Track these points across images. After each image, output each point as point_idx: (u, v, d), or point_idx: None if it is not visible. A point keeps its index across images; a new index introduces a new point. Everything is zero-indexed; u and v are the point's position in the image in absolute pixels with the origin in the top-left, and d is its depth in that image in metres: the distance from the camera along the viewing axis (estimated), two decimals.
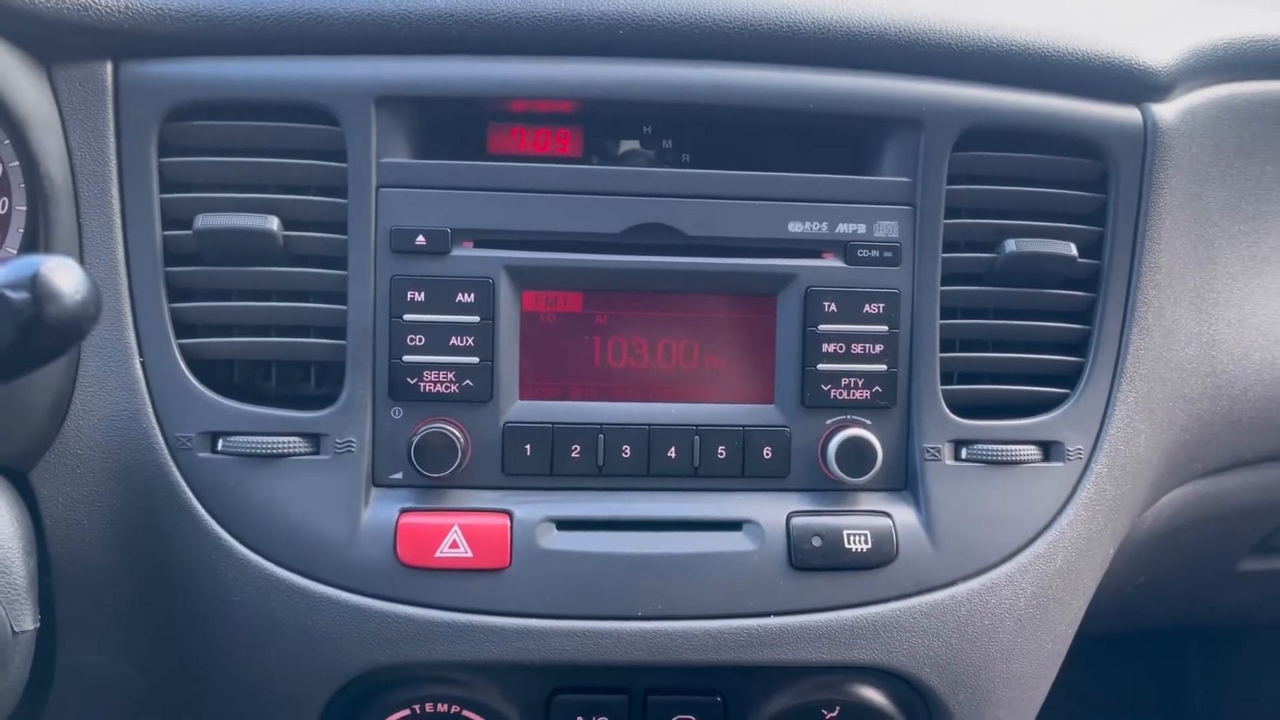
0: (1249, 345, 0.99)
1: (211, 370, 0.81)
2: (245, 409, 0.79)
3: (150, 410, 0.79)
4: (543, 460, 0.81)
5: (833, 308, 0.82)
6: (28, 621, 0.74)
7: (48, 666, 0.83)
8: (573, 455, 0.81)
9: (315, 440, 0.79)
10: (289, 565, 0.78)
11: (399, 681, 0.80)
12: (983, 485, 0.83)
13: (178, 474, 0.79)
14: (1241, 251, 1.00)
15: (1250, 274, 1.00)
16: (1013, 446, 0.84)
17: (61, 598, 0.80)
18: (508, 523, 0.79)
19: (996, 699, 0.84)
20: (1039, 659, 0.87)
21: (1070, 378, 0.87)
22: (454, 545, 0.78)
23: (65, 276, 0.55)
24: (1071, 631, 0.90)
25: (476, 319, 0.80)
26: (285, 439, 0.78)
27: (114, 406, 0.79)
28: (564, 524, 0.80)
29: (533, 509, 0.80)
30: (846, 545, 0.80)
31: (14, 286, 0.54)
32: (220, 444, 0.79)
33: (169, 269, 0.80)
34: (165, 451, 0.79)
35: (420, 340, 0.80)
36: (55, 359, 0.59)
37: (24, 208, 0.77)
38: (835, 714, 0.83)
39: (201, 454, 0.79)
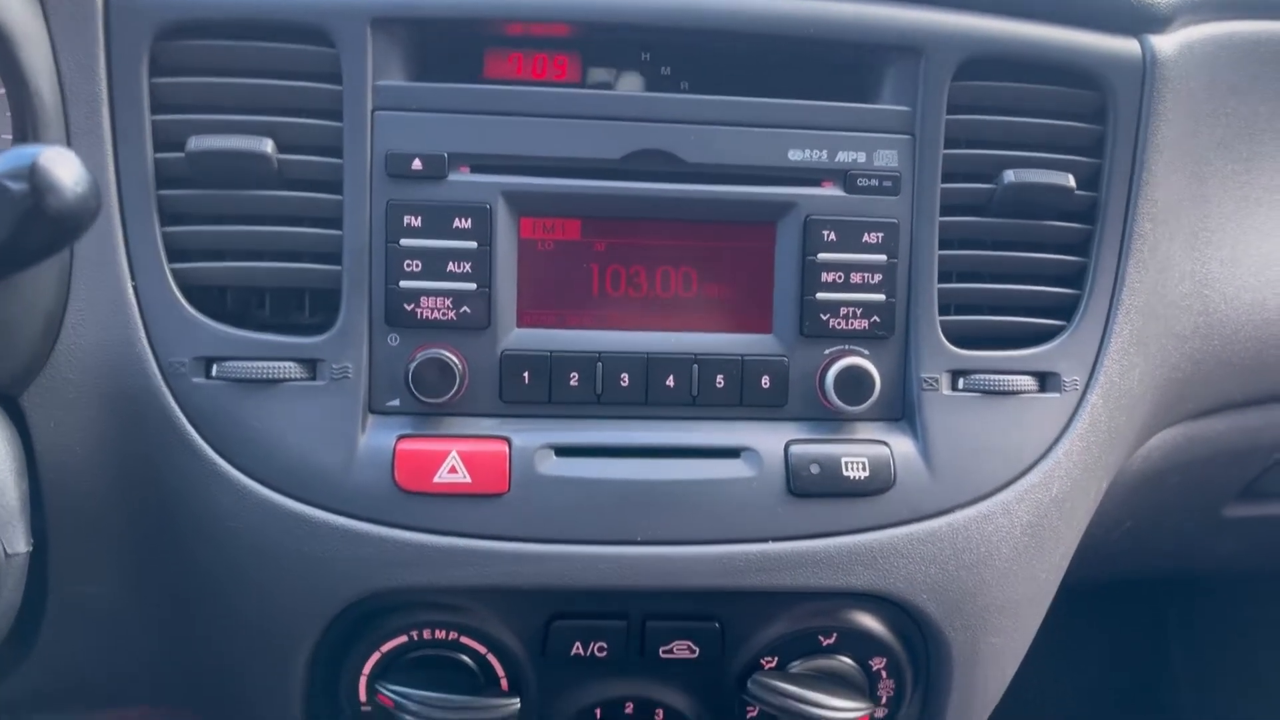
0: (1240, 285, 1.00)
1: (204, 298, 0.80)
2: (240, 334, 0.78)
3: (143, 335, 0.78)
4: (540, 388, 0.80)
5: (832, 237, 0.82)
6: (21, 544, 0.74)
7: (40, 595, 0.83)
8: (571, 383, 0.80)
9: (311, 366, 0.79)
10: (285, 491, 0.77)
11: (396, 608, 0.79)
12: (979, 415, 0.83)
13: (171, 399, 0.78)
14: (1234, 191, 1.00)
15: (1242, 214, 1.01)
16: (1009, 377, 0.84)
17: (54, 525, 0.79)
18: (506, 449, 0.78)
19: (991, 626, 0.85)
20: (1033, 588, 0.88)
21: (1066, 310, 0.87)
22: (452, 470, 0.77)
23: (65, 167, 0.54)
24: (1064, 563, 0.91)
25: (474, 245, 0.79)
26: (281, 364, 0.78)
27: (106, 331, 0.78)
28: (563, 450, 0.79)
29: (531, 436, 0.79)
30: (844, 472, 0.80)
31: (12, 176, 0.52)
32: (214, 370, 0.78)
33: (161, 192, 0.78)
34: (158, 377, 0.78)
35: (417, 266, 0.79)
36: (51, 255, 0.58)
37: (9, 136, 0.75)
38: (832, 640, 0.83)
39: (196, 379, 0.78)
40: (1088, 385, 0.86)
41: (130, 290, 0.78)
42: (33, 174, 0.53)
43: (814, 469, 0.80)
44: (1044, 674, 2.06)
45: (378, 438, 0.78)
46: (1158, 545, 1.37)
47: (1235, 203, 1.00)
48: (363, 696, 0.81)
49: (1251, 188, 1.01)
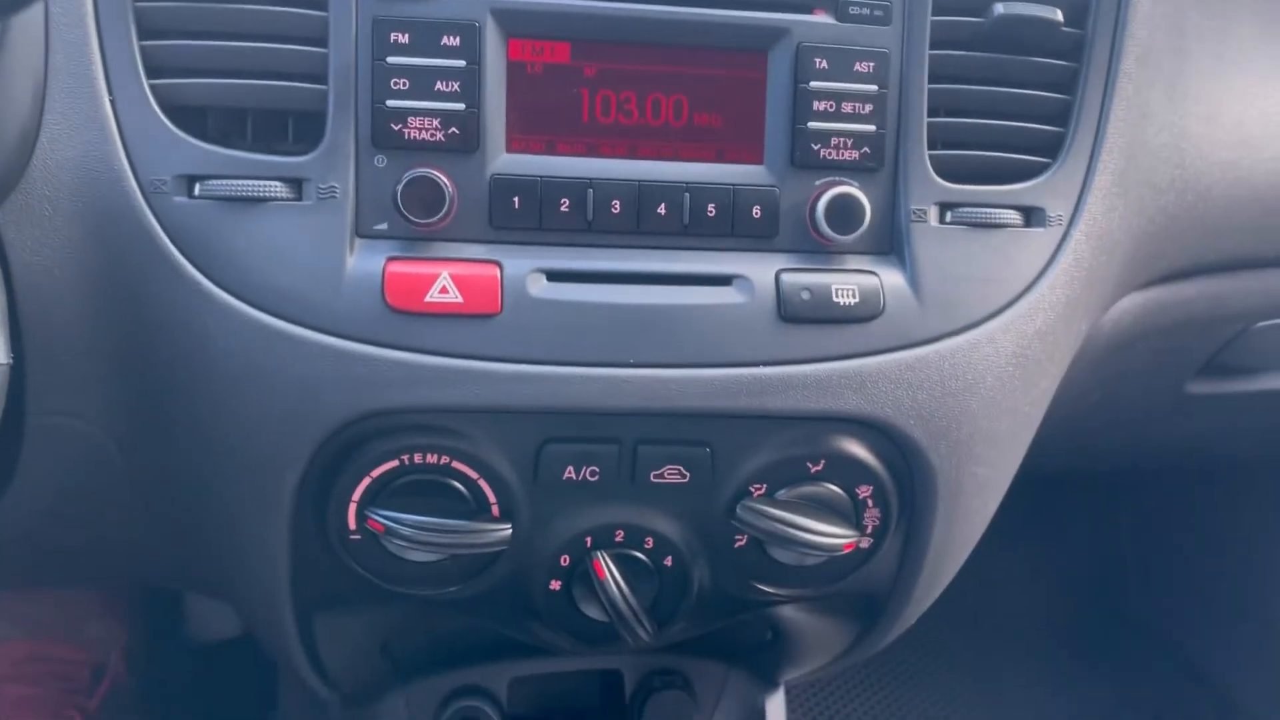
0: (1216, 143, 1.01)
1: (185, 121, 0.77)
2: (222, 152, 0.76)
3: (121, 152, 0.75)
4: (531, 214, 0.80)
5: (824, 65, 0.82)
6: (1, 354, 0.72)
7: (18, 422, 0.81)
8: (561, 209, 0.80)
9: (297, 185, 0.77)
10: (272, 311, 0.76)
11: (386, 431, 0.79)
12: (967, 247, 0.84)
13: (152, 218, 0.76)
14: (1210, 48, 1.02)
15: (1218, 72, 1.02)
16: (996, 210, 0.85)
17: (32, 349, 0.77)
18: (497, 272, 0.78)
19: (976, 455, 0.86)
20: (1016, 420, 0.89)
21: (1052, 148, 0.88)
22: (443, 291, 0.77)
23: None
24: (1046, 400, 0.93)
25: (462, 64, 0.78)
26: (266, 183, 0.76)
27: (83, 147, 0.75)
28: (554, 275, 0.79)
29: (522, 261, 0.79)
30: (834, 299, 0.81)
31: None
32: (197, 188, 0.76)
33: (138, 3, 0.76)
34: (139, 195, 0.76)
35: (404, 84, 0.77)
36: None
37: None
38: (820, 467, 0.84)
39: (177, 198, 0.76)
40: (1071, 222, 0.87)
41: (108, 105, 0.75)
42: None
43: (805, 295, 0.80)
44: (1001, 559, 2.12)
45: (366, 260, 0.77)
46: (1123, 425, 1.41)
47: (1212, 59, 1.01)
48: (352, 524, 0.81)
49: (1226, 46, 1.03)
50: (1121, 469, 1.99)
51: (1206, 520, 1.98)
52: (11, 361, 0.73)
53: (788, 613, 1.01)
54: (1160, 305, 1.10)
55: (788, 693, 1.31)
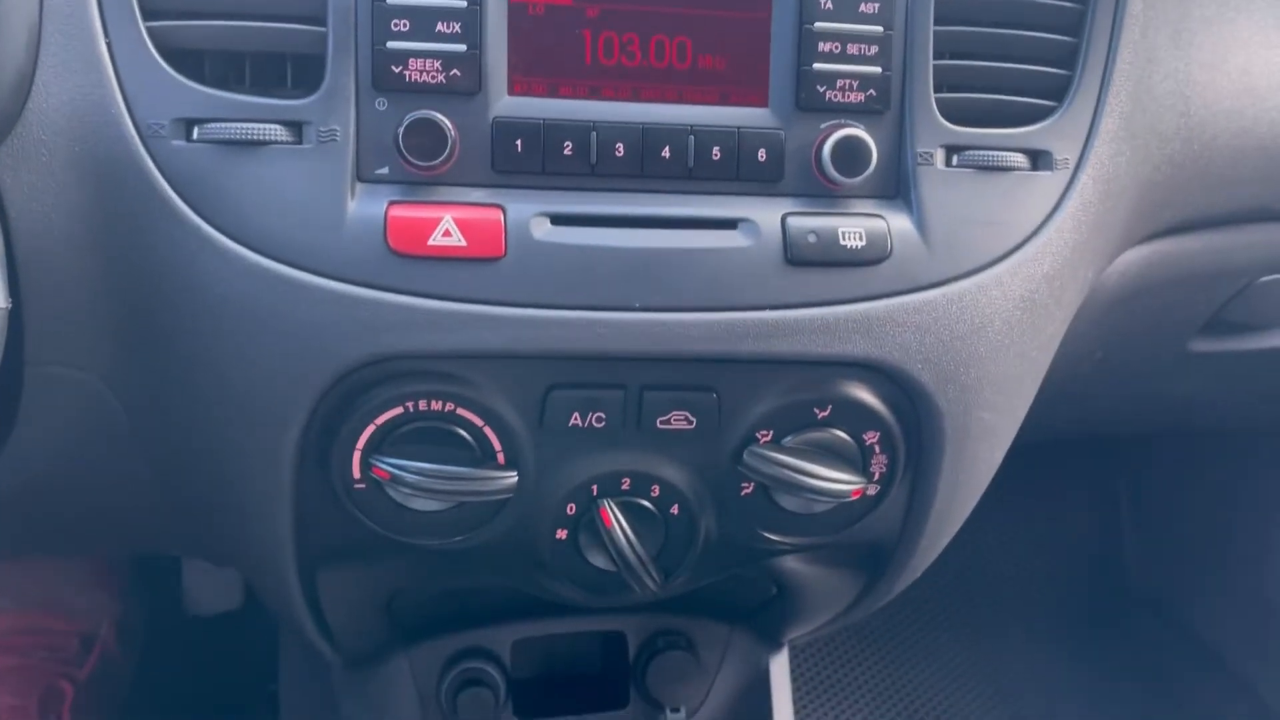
0: (1220, 91, 1.01)
1: (182, 65, 0.76)
2: (221, 95, 0.75)
3: (118, 95, 0.74)
4: (534, 158, 0.79)
5: (829, 5, 0.81)
6: (0, 299, 0.71)
7: (16, 373, 0.80)
8: (564, 153, 0.79)
9: (297, 129, 0.76)
10: (273, 255, 0.75)
11: (391, 377, 0.78)
12: (973, 190, 0.84)
13: (150, 163, 0.75)
14: None
15: (1223, 20, 1.01)
16: (1003, 153, 0.84)
17: (30, 298, 0.76)
18: (501, 216, 0.77)
19: (984, 400, 0.86)
20: (1024, 365, 0.89)
21: (1058, 92, 0.87)
22: (446, 234, 0.76)
23: None
24: (1053, 345, 0.92)
25: (464, 4, 0.77)
26: (266, 126, 0.75)
27: (79, 90, 0.74)
28: (558, 219, 0.78)
29: (525, 205, 0.78)
30: (842, 242, 0.80)
31: None
32: (195, 132, 0.75)
33: None
34: (136, 140, 0.74)
35: (405, 25, 0.76)
36: None
37: None
38: (827, 413, 0.84)
39: (176, 142, 0.75)
40: (1078, 166, 0.87)
41: (104, 48, 0.74)
42: None
43: (811, 238, 0.80)
44: (1002, 530, 2.13)
45: (367, 204, 0.76)
46: (1126, 386, 1.40)
47: (1216, 5, 1.01)
48: (356, 473, 0.80)
49: None
50: (1122, 435, 1.99)
51: (1207, 489, 1.98)
52: (10, 306, 0.72)
53: (792, 565, 1.00)
54: (1164, 259, 1.10)
55: (791, 658, 1.30)
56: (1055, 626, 2.10)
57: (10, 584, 1.43)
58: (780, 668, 1.25)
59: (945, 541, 0.99)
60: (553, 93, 0.80)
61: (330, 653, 1.09)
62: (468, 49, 0.77)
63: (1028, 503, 2.16)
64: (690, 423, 0.82)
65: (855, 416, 0.84)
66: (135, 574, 1.59)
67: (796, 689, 1.83)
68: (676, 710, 1.23)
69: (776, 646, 1.26)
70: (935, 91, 0.84)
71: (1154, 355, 1.33)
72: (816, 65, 0.81)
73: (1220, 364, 1.35)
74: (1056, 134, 0.86)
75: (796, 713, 1.78)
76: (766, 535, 0.89)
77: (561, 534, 0.86)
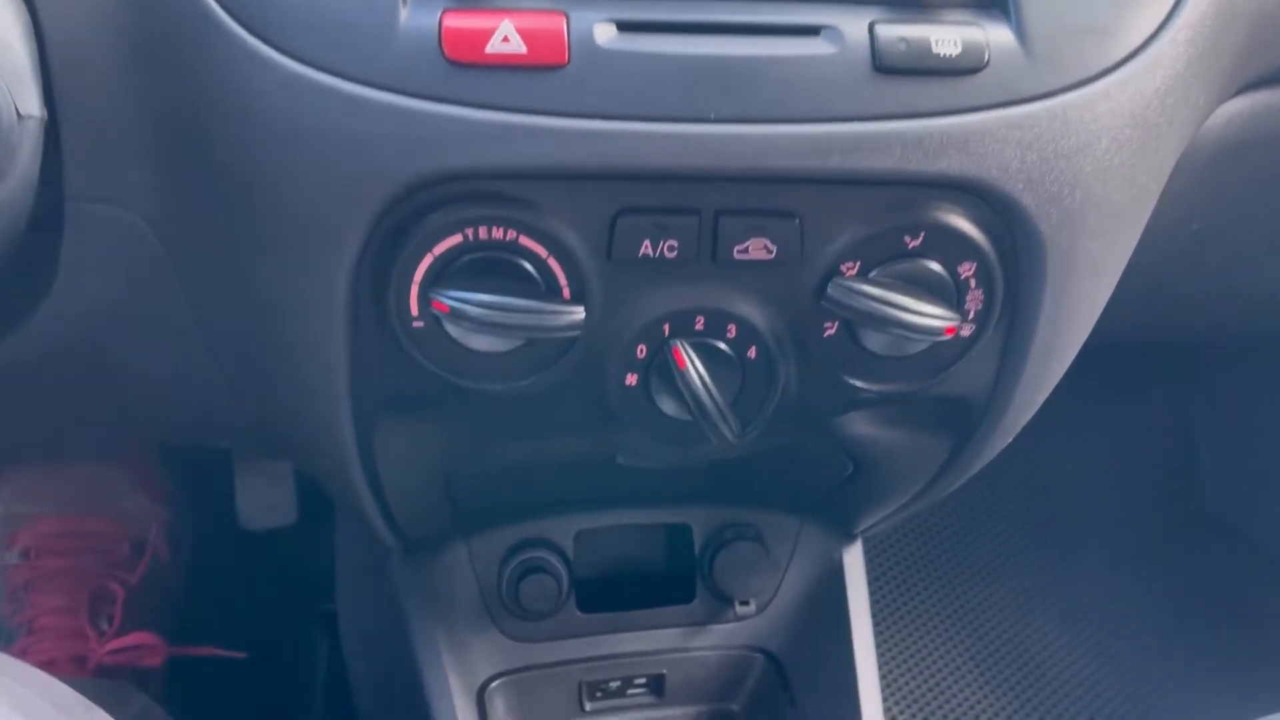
0: None
1: None
2: None
3: None
4: None
5: None
6: (34, 106, 0.66)
7: (56, 214, 0.76)
8: None
9: None
10: (320, 65, 0.69)
11: (448, 200, 0.72)
12: None
13: None
14: None
15: None
16: None
17: (65, 115, 0.72)
18: (563, 21, 0.71)
19: (1089, 227, 0.79)
20: (1133, 191, 0.81)
21: None
22: (505, 41, 0.70)
23: None
24: (1164, 173, 0.85)
25: None
26: None
27: None
28: (625, 25, 0.72)
29: (589, 10, 0.71)
30: (935, 49, 0.73)
31: None
32: None
33: None
34: None
35: None
36: None
37: None
38: (918, 242, 0.77)
39: None
40: None
41: None
42: None
43: (901, 45, 0.73)
44: (1069, 448, 2.06)
45: (421, 12, 0.70)
46: (1210, 268, 1.32)
47: None
48: (414, 309, 0.75)
49: None
50: (1205, 342, 1.91)
51: None
52: (45, 116, 0.68)
53: (871, 433, 0.94)
54: (1269, 108, 1.02)
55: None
56: (1126, 549, 2.04)
57: (50, 489, 1.40)
58: (855, 560, 1.20)
59: (1040, 398, 0.92)
60: None
61: (390, 536, 1.05)
62: None
63: (1099, 425, 2.09)
64: (770, 252, 0.75)
65: (949, 245, 0.77)
66: (183, 484, 1.56)
67: None
68: (746, 603, 1.18)
69: (850, 539, 1.20)
70: None
71: (1249, 234, 1.25)
72: None
73: None
74: None
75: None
76: (851, 381, 0.83)
77: (632, 379, 0.80)
